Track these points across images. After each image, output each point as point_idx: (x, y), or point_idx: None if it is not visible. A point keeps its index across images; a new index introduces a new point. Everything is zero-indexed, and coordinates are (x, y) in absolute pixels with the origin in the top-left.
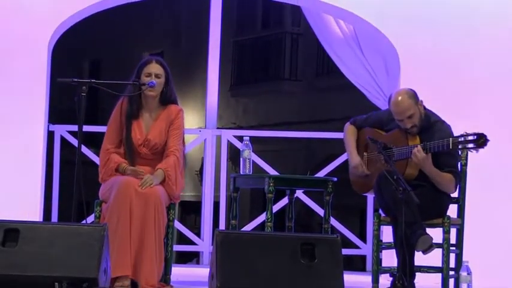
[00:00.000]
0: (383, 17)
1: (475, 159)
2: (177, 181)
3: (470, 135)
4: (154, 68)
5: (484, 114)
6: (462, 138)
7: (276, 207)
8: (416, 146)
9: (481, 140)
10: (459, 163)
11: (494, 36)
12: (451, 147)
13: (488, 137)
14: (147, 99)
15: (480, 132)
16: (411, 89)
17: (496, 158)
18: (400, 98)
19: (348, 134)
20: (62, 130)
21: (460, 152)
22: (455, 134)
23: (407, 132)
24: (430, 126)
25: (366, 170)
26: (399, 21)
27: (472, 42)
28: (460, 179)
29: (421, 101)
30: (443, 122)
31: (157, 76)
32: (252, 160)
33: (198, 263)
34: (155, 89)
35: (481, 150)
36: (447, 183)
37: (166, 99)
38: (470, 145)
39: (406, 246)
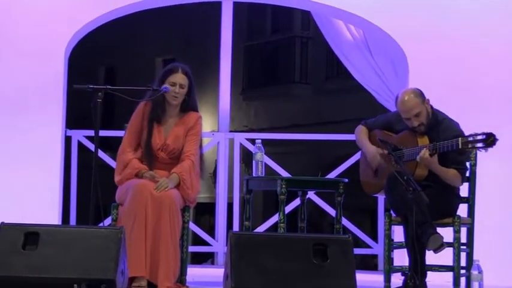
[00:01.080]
0: (391, 20)
1: (484, 159)
2: (192, 184)
3: (479, 134)
4: (180, 78)
5: (493, 114)
6: (471, 138)
7: (288, 208)
8: (426, 147)
9: (490, 139)
10: (468, 163)
11: (504, 37)
12: (460, 146)
13: (497, 136)
14: (169, 105)
15: (489, 131)
16: (417, 88)
17: (505, 157)
18: (406, 97)
19: (360, 134)
20: (78, 135)
21: (469, 152)
22: (464, 130)
23: (416, 132)
24: (438, 124)
25: (385, 152)
26: (407, 24)
27: (481, 44)
28: (466, 173)
29: (428, 100)
30: (451, 119)
31: (181, 86)
32: (264, 162)
33: (212, 263)
34: (178, 98)
35: (489, 149)
36: (453, 178)
37: (188, 106)
38: (479, 144)
39: (417, 245)
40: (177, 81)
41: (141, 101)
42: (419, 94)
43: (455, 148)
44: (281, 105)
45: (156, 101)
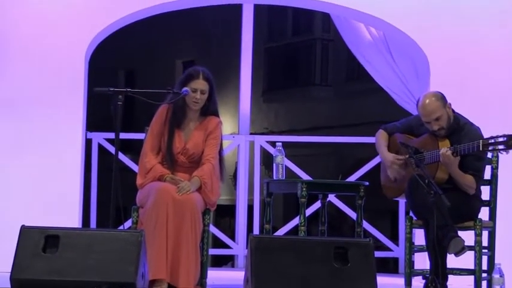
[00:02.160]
0: (412, 23)
1: (506, 162)
2: (213, 188)
3: (500, 136)
4: (201, 84)
5: None
6: (492, 140)
7: (308, 211)
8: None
9: (510, 141)
10: (489, 166)
11: None
12: (481, 149)
13: None
14: (190, 109)
15: (509, 133)
16: (439, 92)
17: None
18: (427, 100)
19: (380, 138)
20: (99, 138)
21: (491, 156)
22: (485, 136)
23: (437, 136)
24: (460, 129)
25: (401, 157)
26: (429, 26)
27: (503, 47)
28: (481, 182)
29: (450, 104)
30: (472, 124)
31: (202, 92)
32: (285, 165)
33: (233, 266)
34: (199, 103)
35: (511, 151)
36: (468, 184)
37: (208, 111)
38: (500, 146)
39: (438, 248)
40: (198, 88)
41: (162, 104)
42: (441, 97)
43: (476, 150)
44: (301, 108)
45: (176, 105)
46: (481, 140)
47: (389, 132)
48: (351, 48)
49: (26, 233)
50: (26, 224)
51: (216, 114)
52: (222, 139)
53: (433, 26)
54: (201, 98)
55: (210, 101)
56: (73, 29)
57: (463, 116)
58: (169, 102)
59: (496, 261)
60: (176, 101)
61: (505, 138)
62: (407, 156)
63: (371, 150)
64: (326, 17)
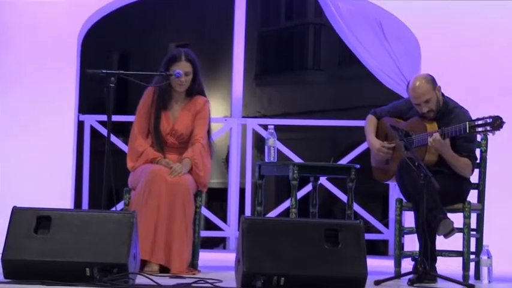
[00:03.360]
0: (404, 6)
1: (495, 145)
2: (204, 167)
3: (487, 118)
4: (184, 66)
5: (504, 99)
6: (479, 122)
7: (300, 194)
8: (434, 133)
9: (497, 122)
10: (478, 149)
11: None
12: (468, 130)
13: (505, 120)
14: (175, 91)
15: (496, 114)
16: (429, 75)
17: None
18: (417, 83)
19: (368, 123)
20: (91, 120)
21: (480, 139)
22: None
23: (425, 119)
24: (449, 112)
25: (389, 145)
26: (419, 10)
27: (495, 30)
28: (476, 164)
29: (439, 87)
30: (462, 107)
31: (186, 74)
32: (277, 148)
33: (224, 248)
34: (183, 85)
35: (497, 133)
36: (464, 167)
37: (194, 91)
38: (487, 128)
39: (427, 230)
40: (182, 70)
41: (149, 86)
42: (431, 80)
43: (463, 132)
44: (294, 92)
45: (162, 87)
46: (467, 122)
47: (379, 116)
48: (339, 32)
49: (18, 214)
50: (18, 205)
51: (203, 94)
52: (210, 118)
53: (424, 9)
54: (186, 79)
55: (195, 82)
56: (66, 11)
57: (452, 100)
58: (155, 85)
59: (484, 243)
60: (160, 84)
61: (491, 120)
62: (396, 140)
63: (363, 134)
64: (318, 2)
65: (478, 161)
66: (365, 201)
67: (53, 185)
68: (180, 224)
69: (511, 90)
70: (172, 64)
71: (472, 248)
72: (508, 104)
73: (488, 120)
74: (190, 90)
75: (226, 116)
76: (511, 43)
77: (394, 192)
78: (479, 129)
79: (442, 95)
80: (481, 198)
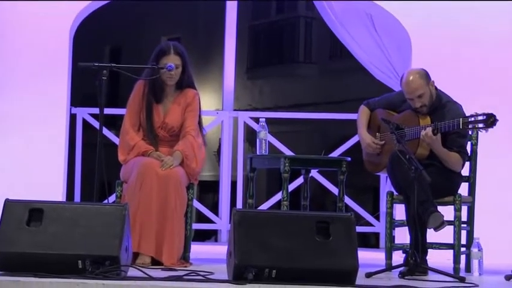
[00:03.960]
0: (395, 1)
1: (485, 139)
2: (196, 158)
3: (480, 115)
4: (173, 59)
5: (494, 94)
6: (472, 118)
7: (291, 187)
8: (427, 127)
9: (490, 120)
10: (469, 143)
11: (505, 16)
12: (461, 127)
13: (498, 117)
14: (165, 84)
15: (489, 112)
16: (423, 69)
17: (506, 137)
18: (411, 77)
19: (361, 115)
20: (83, 113)
21: (471, 132)
22: (466, 114)
23: (419, 112)
24: (442, 107)
25: (379, 142)
26: (411, 4)
27: (483, 27)
28: (467, 158)
29: (433, 82)
30: (455, 102)
31: (176, 67)
32: (268, 141)
33: (216, 240)
34: (173, 78)
35: (490, 129)
36: (454, 162)
37: (183, 84)
38: (480, 125)
39: (418, 223)
40: (171, 63)
41: (140, 79)
42: (425, 75)
43: (456, 128)
44: (285, 85)
45: (152, 81)
46: (461, 118)
47: (372, 108)
48: (330, 26)
49: (10, 206)
50: (10, 198)
51: (193, 87)
52: (200, 110)
53: (414, 3)
54: (175, 72)
55: (184, 74)
56: (58, 5)
57: (445, 94)
58: (146, 78)
59: (474, 236)
60: (150, 78)
61: (485, 117)
62: (388, 132)
63: (354, 127)
64: None
65: (469, 154)
66: (356, 193)
67: (45, 178)
68: (172, 216)
69: (502, 83)
70: (162, 57)
71: (463, 241)
72: (499, 98)
73: (481, 118)
74: (180, 83)
75: (217, 109)
76: (502, 36)
77: (385, 184)
78: (473, 125)
79: (436, 88)
80: (471, 191)
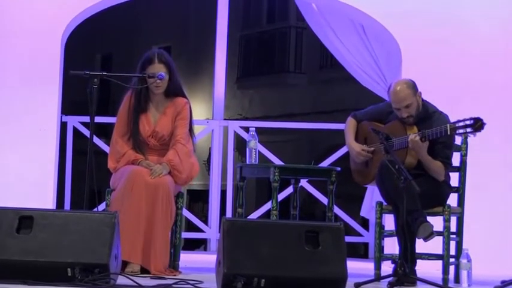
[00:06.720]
0: (385, 10)
1: (475, 149)
2: (184, 168)
3: (467, 119)
4: (158, 68)
5: (484, 104)
6: (460, 124)
7: (281, 196)
8: (415, 134)
9: (477, 124)
10: (459, 153)
11: (492, 28)
12: (449, 132)
13: (486, 124)
14: (153, 93)
15: (476, 116)
16: (411, 80)
17: (495, 147)
18: (399, 87)
19: (348, 126)
20: (74, 121)
21: (460, 142)
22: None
23: (404, 123)
24: (429, 117)
25: (369, 149)
26: (401, 14)
27: (473, 36)
28: (449, 168)
29: (420, 93)
30: (441, 112)
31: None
32: (258, 150)
33: (205, 249)
34: (160, 87)
35: (478, 135)
36: (436, 170)
37: (171, 91)
38: (468, 129)
39: (407, 233)
40: (156, 72)
41: (130, 87)
42: (412, 86)
43: (444, 134)
44: (275, 95)
45: (138, 90)
46: (448, 124)
47: (359, 119)
48: (320, 36)
49: (0, 213)
50: (0, 205)
51: (182, 95)
52: (191, 118)
53: (404, 13)
54: (161, 81)
55: (171, 81)
56: (49, 12)
57: (431, 104)
58: (133, 87)
59: (463, 247)
60: (138, 87)
61: (472, 121)
62: (377, 143)
63: (344, 137)
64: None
65: (458, 165)
66: (345, 203)
67: (35, 185)
68: (159, 224)
69: (492, 93)
70: (147, 67)
71: (452, 251)
72: (488, 107)
73: (469, 122)
74: (167, 92)
75: (208, 118)
76: (492, 46)
77: (370, 194)
78: (460, 131)
79: (422, 100)
80: (460, 201)
